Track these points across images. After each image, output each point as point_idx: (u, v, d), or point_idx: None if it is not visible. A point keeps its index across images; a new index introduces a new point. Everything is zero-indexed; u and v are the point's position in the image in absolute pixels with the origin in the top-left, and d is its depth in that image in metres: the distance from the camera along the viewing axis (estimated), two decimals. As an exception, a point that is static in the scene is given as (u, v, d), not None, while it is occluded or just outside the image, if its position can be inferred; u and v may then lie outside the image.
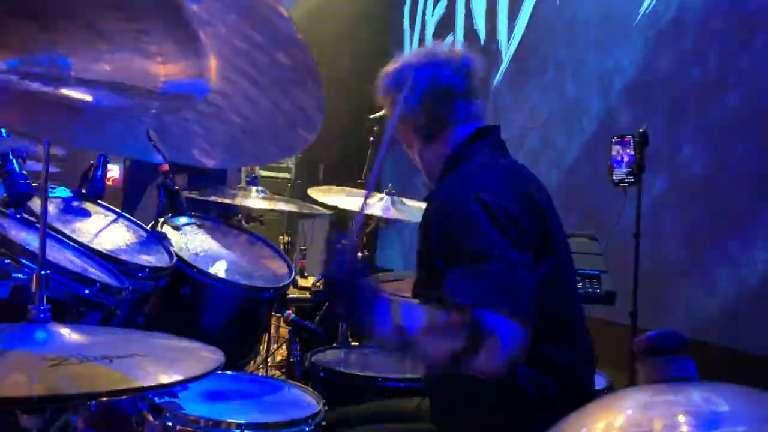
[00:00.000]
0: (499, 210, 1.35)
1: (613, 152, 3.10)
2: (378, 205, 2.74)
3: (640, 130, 3.01)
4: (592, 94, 4.20)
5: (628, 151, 3.06)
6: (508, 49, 5.09)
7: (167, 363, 1.07)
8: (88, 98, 0.85)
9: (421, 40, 6.23)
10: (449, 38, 5.79)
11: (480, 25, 5.45)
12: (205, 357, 1.08)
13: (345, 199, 2.76)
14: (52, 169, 2.71)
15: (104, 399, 1.69)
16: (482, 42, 5.35)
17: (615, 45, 4.05)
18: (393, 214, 2.71)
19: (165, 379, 0.95)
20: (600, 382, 1.98)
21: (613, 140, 3.10)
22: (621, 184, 3.08)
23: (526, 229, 1.38)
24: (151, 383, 0.95)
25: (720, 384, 0.67)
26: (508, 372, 1.25)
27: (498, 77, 5.14)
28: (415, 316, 1.34)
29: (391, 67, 1.62)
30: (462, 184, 1.46)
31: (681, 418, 0.63)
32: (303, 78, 0.72)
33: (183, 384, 1.28)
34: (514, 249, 1.32)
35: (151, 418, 1.56)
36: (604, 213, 3.69)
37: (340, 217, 3.03)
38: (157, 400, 1.57)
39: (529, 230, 1.39)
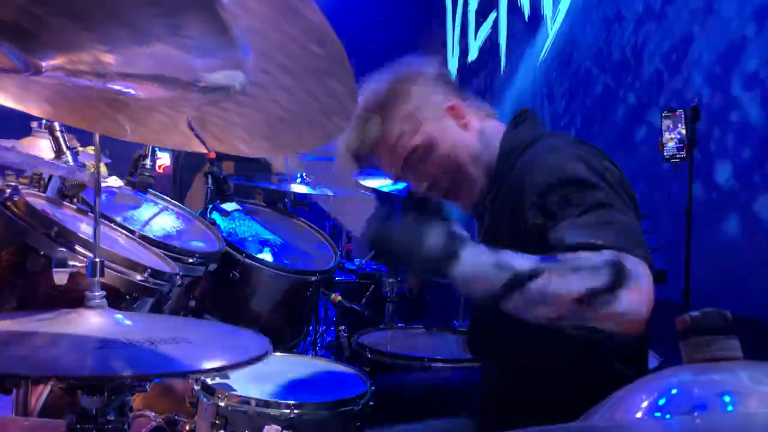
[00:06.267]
0: (606, 171, 1.28)
1: (664, 126, 3.02)
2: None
3: (692, 105, 2.92)
4: (642, 65, 4.08)
5: (679, 125, 2.98)
6: (553, 24, 4.98)
7: (212, 350, 1.11)
8: (131, 92, 0.88)
9: (464, 17, 6.15)
10: (492, 15, 5.70)
11: (524, 0, 5.35)
12: (248, 345, 1.11)
13: (387, 182, 2.77)
14: (104, 160, 2.80)
15: (159, 380, 1.77)
16: (527, 17, 5.25)
17: (658, 14, 3.92)
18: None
19: (208, 365, 0.99)
20: (651, 361, 1.96)
21: (664, 114, 3.02)
22: (672, 160, 3.00)
23: (631, 192, 1.32)
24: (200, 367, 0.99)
25: (765, 363, 0.66)
26: (640, 321, 1.14)
27: (543, 53, 5.05)
28: (517, 256, 1.19)
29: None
30: (555, 155, 1.34)
31: (725, 398, 0.62)
32: (335, 67, 0.73)
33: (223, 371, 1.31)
34: (627, 207, 1.26)
35: (204, 399, 1.62)
36: (653, 189, 3.61)
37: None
38: (209, 381, 1.62)
39: (632, 196, 1.33)
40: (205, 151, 1.00)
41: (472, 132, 1.51)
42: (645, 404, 0.66)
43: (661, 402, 0.65)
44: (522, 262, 1.17)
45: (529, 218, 1.29)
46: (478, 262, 1.20)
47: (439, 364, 1.96)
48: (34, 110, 1.13)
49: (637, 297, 1.11)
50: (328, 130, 0.88)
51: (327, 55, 0.70)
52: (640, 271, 1.13)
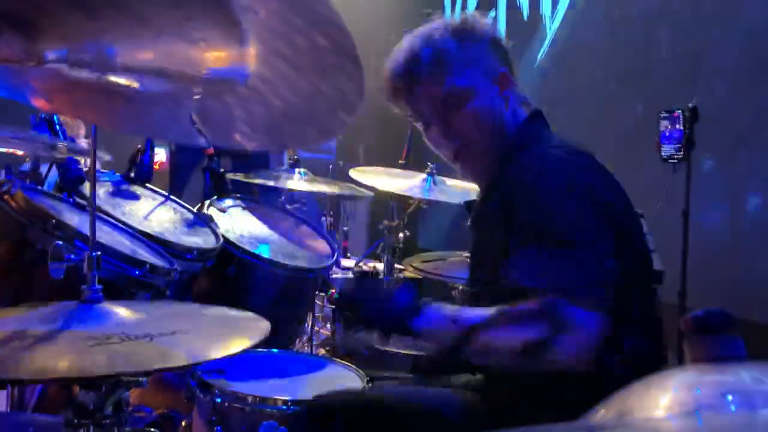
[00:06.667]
0: (589, 191, 1.29)
1: (662, 127, 3.02)
2: (419, 186, 2.73)
3: (690, 105, 2.92)
4: (640, 66, 4.07)
5: (677, 126, 2.98)
6: (552, 24, 4.98)
7: (210, 339, 1.10)
8: (134, 84, 0.87)
9: (463, 17, 6.13)
10: (491, 13, 5.69)
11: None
12: (249, 330, 1.11)
13: (385, 179, 2.76)
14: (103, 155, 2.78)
15: (156, 376, 1.76)
16: (525, 17, 5.25)
17: (662, 15, 3.91)
18: (434, 194, 2.70)
19: (206, 356, 0.98)
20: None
21: (662, 115, 3.01)
22: (670, 161, 3.00)
23: (616, 211, 1.33)
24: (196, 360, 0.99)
25: (768, 363, 0.65)
26: (585, 363, 1.19)
27: (542, 53, 5.04)
28: (472, 310, 1.28)
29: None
30: (546, 162, 1.37)
31: (729, 398, 0.62)
32: (343, 61, 0.72)
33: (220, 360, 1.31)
34: (601, 234, 1.26)
35: (200, 394, 1.61)
36: (650, 190, 3.60)
37: (380, 198, 3.04)
38: (206, 377, 1.62)
39: (621, 213, 1.35)
40: (205, 145, 1.00)
41: (509, 108, 1.53)
42: (647, 405, 0.66)
43: (664, 402, 0.65)
44: (474, 317, 1.26)
45: (504, 236, 1.33)
46: (437, 318, 1.31)
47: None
48: (33, 102, 1.12)
49: (567, 345, 1.18)
50: (331, 126, 0.87)
51: (334, 48, 0.70)
52: (579, 318, 1.18)
